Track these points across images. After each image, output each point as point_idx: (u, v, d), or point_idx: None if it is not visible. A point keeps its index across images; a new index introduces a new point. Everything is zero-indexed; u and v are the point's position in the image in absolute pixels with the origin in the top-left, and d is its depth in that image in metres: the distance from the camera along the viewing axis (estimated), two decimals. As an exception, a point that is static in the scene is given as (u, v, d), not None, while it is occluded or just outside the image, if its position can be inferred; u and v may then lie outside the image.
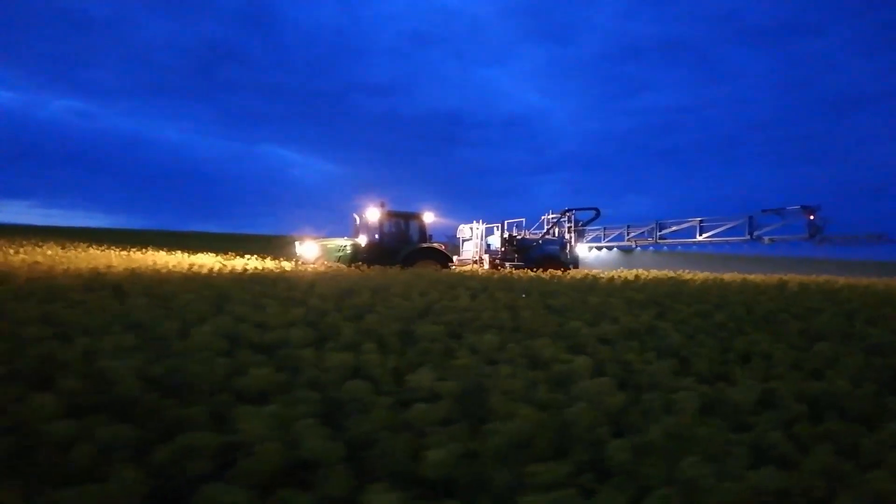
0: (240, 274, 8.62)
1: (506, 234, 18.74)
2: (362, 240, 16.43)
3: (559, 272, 15.08)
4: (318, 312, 4.43)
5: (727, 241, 13.98)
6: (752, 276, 13.23)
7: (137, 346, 2.93)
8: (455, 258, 19.83)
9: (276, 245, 20.22)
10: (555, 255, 18.86)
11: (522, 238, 19.27)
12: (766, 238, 12.85)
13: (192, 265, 10.33)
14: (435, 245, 17.02)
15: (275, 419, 1.92)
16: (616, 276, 10.74)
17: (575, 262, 19.15)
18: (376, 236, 16.51)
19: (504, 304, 5.50)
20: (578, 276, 10.71)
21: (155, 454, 1.76)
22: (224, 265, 11.04)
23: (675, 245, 16.43)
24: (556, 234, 19.97)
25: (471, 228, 19.42)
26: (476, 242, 19.01)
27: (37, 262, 8.93)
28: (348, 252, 16.23)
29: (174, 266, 10.15)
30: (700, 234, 14.40)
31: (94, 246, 18.57)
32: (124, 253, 15.82)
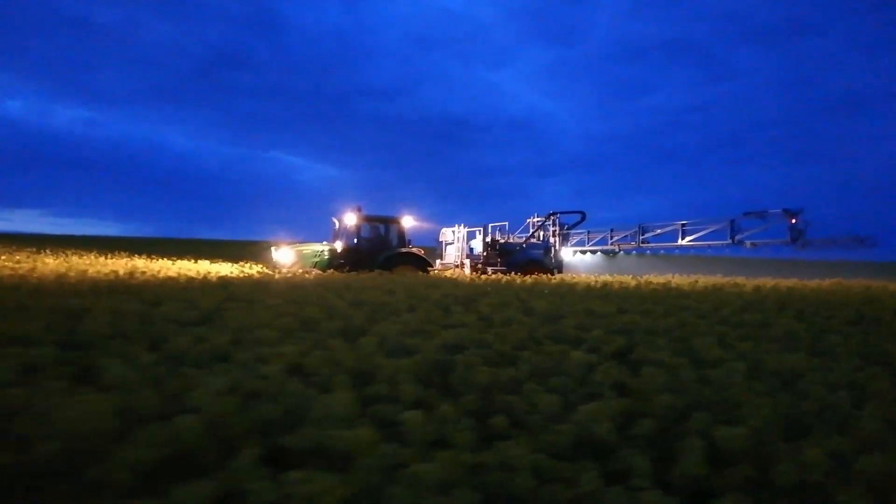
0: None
1: (488, 238, 18.36)
2: (340, 245, 16.08)
3: (546, 276, 14.83)
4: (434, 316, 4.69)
5: (709, 245, 13.67)
6: (809, 282, 12.89)
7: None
8: (438, 262, 19.50)
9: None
10: (539, 260, 18.51)
11: (506, 242, 18.90)
12: (748, 242, 12.54)
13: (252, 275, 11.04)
14: (414, 250, 16.67)
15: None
16: (672, 282, 10.56)
17: (559, 267, 18.79)
18: (354, 241, 16.18)
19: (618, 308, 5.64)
20: (641, 284, 10.48)
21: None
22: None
23: (658, 249, 16.09)
24: (542, 238, 19.61)
25: (453, 232, 19.08)
26: (458, 246, 18.66)
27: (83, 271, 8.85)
28: (325, 257, 15.89)
29: (231, 273, 11.00)
30: (682, 238, 14.06)
31: (130, 255, 18.55)
32: (169, 261, 15.60)
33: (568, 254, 19.75)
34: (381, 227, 16.72)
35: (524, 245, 18.91)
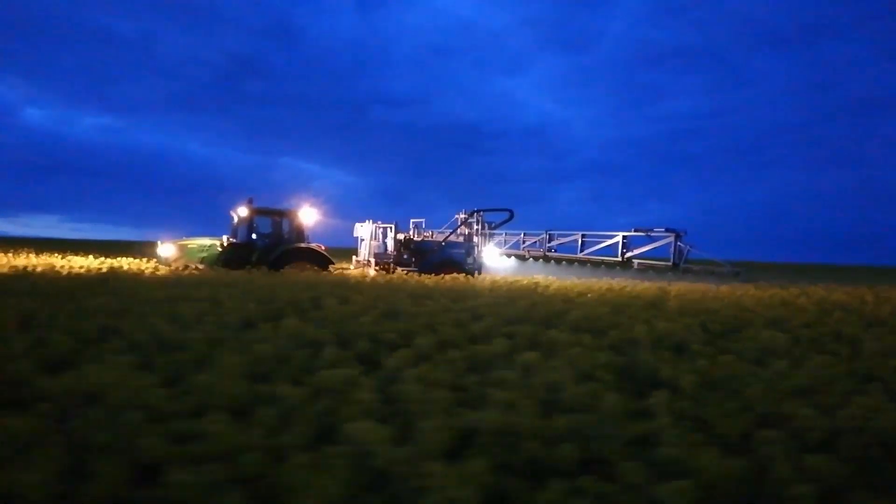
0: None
1: (400, 236, 17.19)
2: (226, 239, 15.07)
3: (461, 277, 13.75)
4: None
5: (603, 261, 12.49)
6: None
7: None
8: (354, 259, 18.40)
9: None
10: (458, 260, 17.31)
11: (422, 240, 17.72)
12: (634, 262, 11.39)
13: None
14: (313, 246, 15.55)
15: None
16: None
17: (479, 269, 17.58)
18: (244, 235, 15.11)
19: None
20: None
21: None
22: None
23: (562, 260, 14.91)
24: (467, 237, 18.39)
25: (366, 228, 17.92)
26: (367, 244, 17.53)
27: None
28: (215, 251, 14.87)
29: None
30: (582, 249, 12.91)
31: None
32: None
33: (495, 255, 18.56)
34: (276, 221, 15.60)
35: (443, 244, 17.72)
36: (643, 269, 11.29)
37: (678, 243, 10.71)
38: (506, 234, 17.33)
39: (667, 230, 10.90)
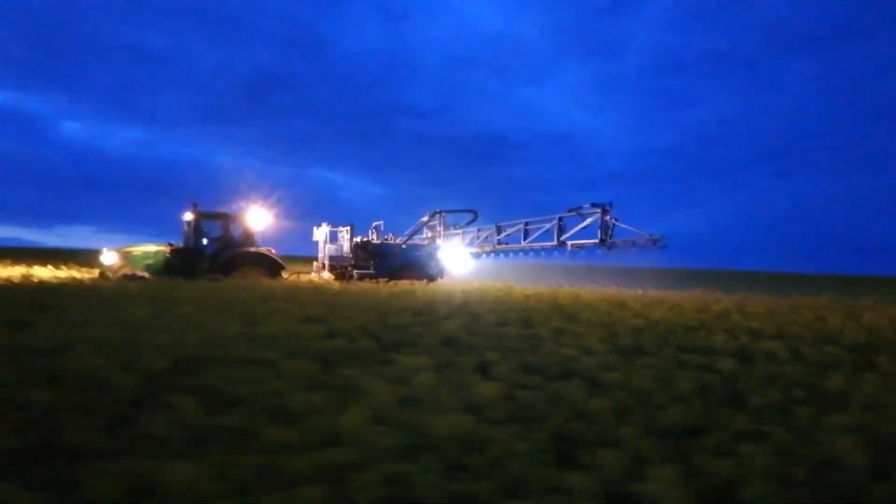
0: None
1: (357, 239, 16.67)
2: (178, 245, 14.78)
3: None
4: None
5: (543, 247, 11.79)
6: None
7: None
8: (314, 264, 17.93)
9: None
10: (419, 264, 16.68)
11: (381, 243, 17.16)
12: (569, 244, 10.70)
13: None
14: (262, 250, 15.10)
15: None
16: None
17: (441, 273, 16.88)
18: (191, 241, 14.76)
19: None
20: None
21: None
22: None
23: (509, 252, 14.18)
24: (431, 239, 17.79)
25: (321, 231, 17.46)
26: (323, 248, 17.04)
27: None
28: (161, 258, 14.51)
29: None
30: (525, 237, 12.24)
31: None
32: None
33: (461, 256, 17.86)
34: (223, 225, 15.21)
35: (404, 247, 17.12)
36: (575, 250, 10.64)
37: (604, 218, 10.05)
38: (463, 232, 16.71)
39: (592, 205, 10.25)
